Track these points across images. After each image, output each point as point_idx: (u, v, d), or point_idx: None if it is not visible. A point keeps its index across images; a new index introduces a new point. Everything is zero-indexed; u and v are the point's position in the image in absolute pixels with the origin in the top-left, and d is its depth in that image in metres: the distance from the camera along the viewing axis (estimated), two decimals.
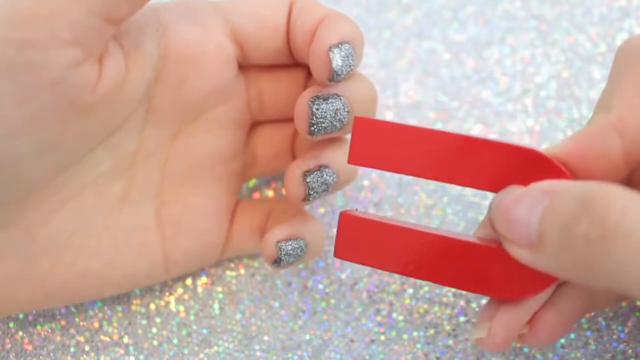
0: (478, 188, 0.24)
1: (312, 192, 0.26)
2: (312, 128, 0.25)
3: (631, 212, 0.19)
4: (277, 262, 0.27)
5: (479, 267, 0.24)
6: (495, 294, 0.24)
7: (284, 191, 0.33)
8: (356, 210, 0.26)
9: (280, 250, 0.27)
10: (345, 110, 0.26)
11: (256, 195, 0.33)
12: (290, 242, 0.27)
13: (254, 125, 0.30)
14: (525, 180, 0.23)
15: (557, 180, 0.22)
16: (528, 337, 0.25)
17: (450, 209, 0.32)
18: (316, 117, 0.25)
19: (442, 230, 0.25)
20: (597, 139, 0.23)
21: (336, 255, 0.25)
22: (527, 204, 0.21)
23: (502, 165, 0.23)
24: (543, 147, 0.32)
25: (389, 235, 0.25)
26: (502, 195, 0.23)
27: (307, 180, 0.26)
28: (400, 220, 0.26)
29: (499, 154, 0.23)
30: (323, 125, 0.25)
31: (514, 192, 0.22)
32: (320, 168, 0.26)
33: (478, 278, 0.24)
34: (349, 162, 0.25)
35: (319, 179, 0.26)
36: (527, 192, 0.22)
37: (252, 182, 0.33)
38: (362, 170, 0.32)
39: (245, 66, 0.28)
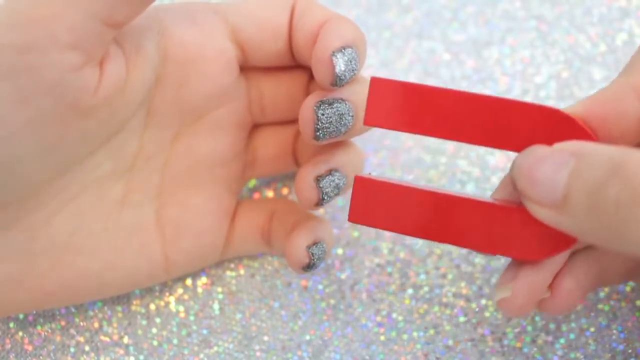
0: (498, 148, 0.23)
1: (325, 197, 0.26)
2: (318, 133, 0.25)
3: None
4: (309, 267, 0.27)
5: (498, 228, 0.23)
6: (516, 255, 0.24)
7: (283, 191, 0.33)
8: (369, 174, 0.25)
9: (313, 255, 0.27)
10: (350, 114, 0.25)
11: (256, 195, 0.33)
12: (317, 246, 0.27)
13: (255, 126, 0.30)
14: (547, 140, 0.22)
15: (583, 141, 0.22)
16: (549, 301, 0.25)
17: None
18: (322, 122, 0.25)
19: (460, 192, 0.25)
20: (615, 99, 0.23)
21: (350, 219, 0.25)
22: (553, 164, 0.21)
23: (524, 125, 0.23)
24: None
25: (405, 197, 0.24)
26: (526, 154, 0.22)
27: (321, 185, 0.26)
28: (417, 183, 0.26)
29: (521, 113, 0.23)
30: (329, 130, 0.25)
31: (538, 151, 0.22)
32: (331, 172, 0.26)
33: (497, 239, 0.23)
34: (365, 123, 0.24)
35: (331, 183, 0.26)
36: (553, 152, 0.22)
37: (252, 183, 0.33)
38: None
39: (246, 68, 0.28)
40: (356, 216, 0.25)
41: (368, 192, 0.24)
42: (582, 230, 0.21)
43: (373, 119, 0.24)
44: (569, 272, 0.25)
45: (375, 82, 0.24)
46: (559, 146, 0.22)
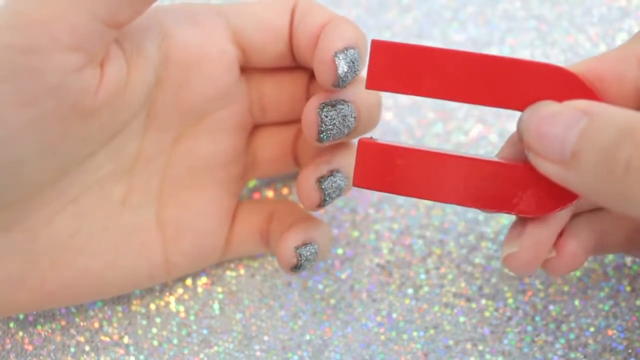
0: (503, 107, 0.23)
1: (327, 198, 0.26)
2: (321, 135, 0.25)
3: None
4: (297, 268, 0.27)
5: (502, 185, 0.23)
6: (520, 211, 0.24)
7: (284, 191, 0.33)
8: (371, 138, 0.25)
9: (301, 256, 0.27)
10: (353, 116, 0.25)
11: (256, 195, 0.33)
12: (307, 247, 0.27)
13: (255, 127, 0.30)
14: (552, 98, 0.23)
15: (595, 101, 0.22)
16: (555, 261, 0.25)
17: (450, 209, 0.32)
18: (325, 124, 0.25)
19: (464, 153, 0.25)
20: (617, 63, 0.23)
21: (355, 184, 0.24)
22: (564, 121, 0.21)
23: (529, 83, 0.23)
24: None
25: (408, 159, 0.24)
26: (535, 109, 0.22)
27: (323, 186, 0.26)
28: (420, 145, 0.26)
29: (525, 72, 0.23)
30: (332, 132, 0.25)
31: (548, 107, 0.22)
32: (332, 173, 0.26)
33: (502, 197, 0.24)
34: (367, 87, 0.24)
35: (333, 184, 0.26)
36: (563, 109, 0.22)
37: (252, 183, 0.33)
38: None
39: (247, 69, 0.28)
40: (361, 180, 0.24)
41: (372, 155, 0.24)
42: (587, 188, 0.21)
43: (375, 82, 0.24)
44: (573, 233, 0.26)
45: (376, 45, 0.24)
46: (570, 104, 0.22)
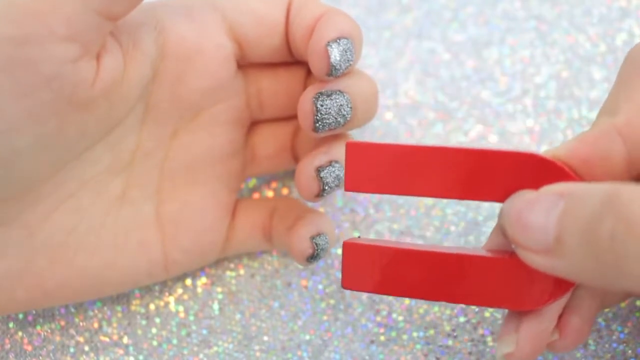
0: (483, 200, 0.23)
1: (326, 187, 0.26)
2: (317, 124, 0.25)
3: None
4: (313, 257, 0.27)
5: (493, 280, 0.23)
6: (514, 306, 0.23)
7: (283, 191, 0.33)
8: (358, 237, 0.25)
9: (317, 246, 0.27)
10: (349, 106, 0.26)
11: (256, 195, 0.33)
12: (321, 237, 0.28)
13: (254, 123, 0.30)
14: (531, 186, 0.22)
15: (569, 182, 0.22)
16: (559, 343, 0.25)
17: (450, 209, 0.32)
18: (321, 114, 0.25)
19: (450, 247, 0.25)
20: (600, 141, 0.22)
21: (344, 286, 0.25)
22: (542, 208, 0.21)
23: (505, 173, 0.23)
24: (543, 147, 0.32)
25: (395, 259, 0.24)
26: (513, 201, 0.22)
27: (321, 175, 0.26)
28: (405, 242, 0.26)
29: (500, 162, 0.23)
30: (328, 121, 0.25)
31: (525, 196, 0.22)
32: (331, 163, 0.26)
33: (494, 292, 0.23)
34: (346, 189, 0.24)
35: (331, 173, 0.26)
36: (540, 196, 0.21)
37: (252, 183, 0.33)
38: None
39: (244, 64, 0.28)
40: (349, 283, 0.25)
41: (358, 257, 0.25)
42: (578, 272, 0.20)
43: (354, 184, 0.24)
44: (575, 309, 0.25)
45: (351, 146, 0.24)
46: (546, 189, 0.21)
